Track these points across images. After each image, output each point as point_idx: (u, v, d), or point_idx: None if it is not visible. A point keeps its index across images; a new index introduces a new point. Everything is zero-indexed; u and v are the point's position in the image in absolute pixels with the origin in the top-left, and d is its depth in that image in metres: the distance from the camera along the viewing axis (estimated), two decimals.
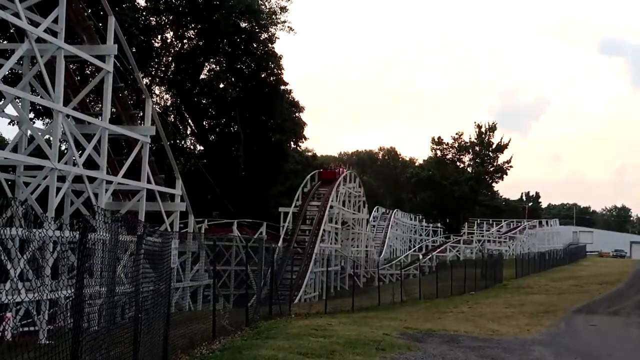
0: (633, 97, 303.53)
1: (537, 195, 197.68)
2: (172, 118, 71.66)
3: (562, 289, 46.28)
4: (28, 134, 30.26)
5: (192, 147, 78.55)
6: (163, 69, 69.35)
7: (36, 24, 27.16)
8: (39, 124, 49.73)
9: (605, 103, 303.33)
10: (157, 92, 70.92)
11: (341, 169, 71.37)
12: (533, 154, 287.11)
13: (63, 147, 40.51)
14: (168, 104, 72.92)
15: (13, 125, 40.56)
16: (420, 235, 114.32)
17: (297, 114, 79.10)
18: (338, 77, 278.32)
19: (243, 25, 68.93)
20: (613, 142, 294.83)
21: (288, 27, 73.19)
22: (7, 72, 30.07)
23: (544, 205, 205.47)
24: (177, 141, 70.59)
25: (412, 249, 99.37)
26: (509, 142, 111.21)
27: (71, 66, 34.03)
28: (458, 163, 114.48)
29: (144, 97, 36.71)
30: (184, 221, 40.72)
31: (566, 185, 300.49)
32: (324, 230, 55.55)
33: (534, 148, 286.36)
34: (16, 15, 25.17)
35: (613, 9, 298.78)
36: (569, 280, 54.34)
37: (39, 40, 25.71)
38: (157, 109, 62.36)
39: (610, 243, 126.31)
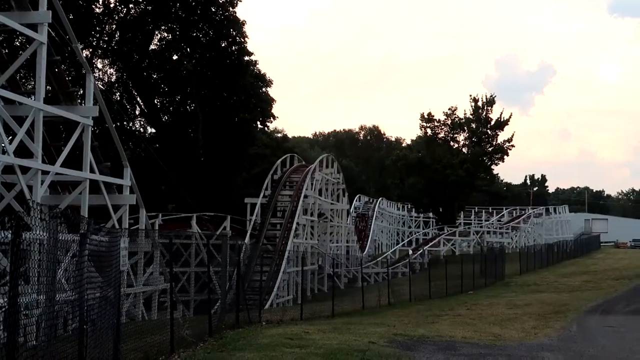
0: None
1: (543, 179, 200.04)
2: (117, 96, 71.24)
3: (574, 286, 46.68)
4: None
5: (142, 129, 78.20)
6: (106, 38, 68.86)
7: None
8: None
9: (620, 71, 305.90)
10: (99, 66, 70.50)
11: None
12: (537, 131, 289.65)
13: None
14: (113, 79, 72.54)
15: None
16: (410, 227, 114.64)
17: (264, 89, 78.88)
18: (311, 46, 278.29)
19: None
20: (629, 116, 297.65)
21: None
22: None
23: (551, 189, 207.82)
24: (125, 123, 70.20)
25: (401, 244, 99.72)
26: (510, 117, 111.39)
27: None
28: (452, 143, 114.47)
29: (84, 72, 36.42)
30: (134, 216, 40.55)
31: (576, 166, 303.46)
32: (297, 223, 55.55)
33: (538, 124, 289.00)
34: None
35: None
36: (581, 276, 54.82)
37: None
38: (100, 86, 61.94)
39: (628, 232, 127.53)
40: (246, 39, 73.49)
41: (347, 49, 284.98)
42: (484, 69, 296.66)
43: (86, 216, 28.15)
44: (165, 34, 72.18)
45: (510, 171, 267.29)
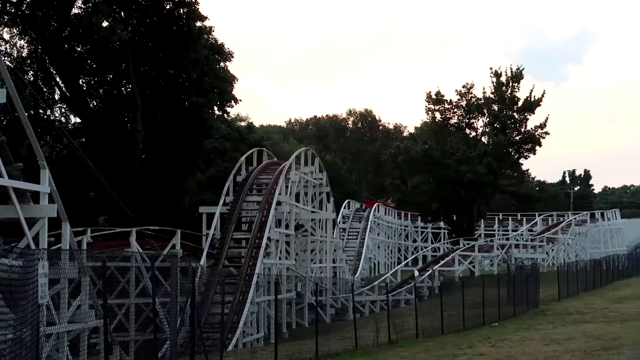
0: None
1: (587, 175, 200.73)
2: (30, 76, 70.93)
3: (629, 314, 46.81)
4: None
5: (63, 119, 77.87)
6: (14, 0, 68.56)
7: None
8: None
9: None
10: (5, 36, 70.16)
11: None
12: (576, 113, 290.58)
13: None
14: (24, 54, 72.16)
15: None
16: (415, 241, 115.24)
17: (222, 64, 78.76)
18: (282, 6, 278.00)
19: None
20: None
21: None
22: None
23: (597, 189, 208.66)
24: (41, 111, 69.92)
25: (403, 263, 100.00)
26: (543, 96, 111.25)
27: None
28: (467, 130, 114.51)
29: None
30: (55, 233, 40.41)
31: (628, 158, 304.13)
32: (268, 238, 55.49)
33: (577, 104, 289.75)
34: None
35: None
36: (638, 301, 55.02)
37: None
38: (8, 63, 61.66)
39: None
40: None
41: (328, 9, 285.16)
42: (506, 34, 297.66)
43: None
44: None
45: (544, 166, 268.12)
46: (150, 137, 70.67)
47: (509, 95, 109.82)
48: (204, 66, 74.15)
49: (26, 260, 14.99)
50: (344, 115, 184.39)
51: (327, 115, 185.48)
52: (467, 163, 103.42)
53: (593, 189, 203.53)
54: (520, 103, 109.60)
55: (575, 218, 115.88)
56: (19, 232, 34.35)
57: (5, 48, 68.29)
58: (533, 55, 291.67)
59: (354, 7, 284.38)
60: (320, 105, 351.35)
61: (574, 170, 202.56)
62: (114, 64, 71.92)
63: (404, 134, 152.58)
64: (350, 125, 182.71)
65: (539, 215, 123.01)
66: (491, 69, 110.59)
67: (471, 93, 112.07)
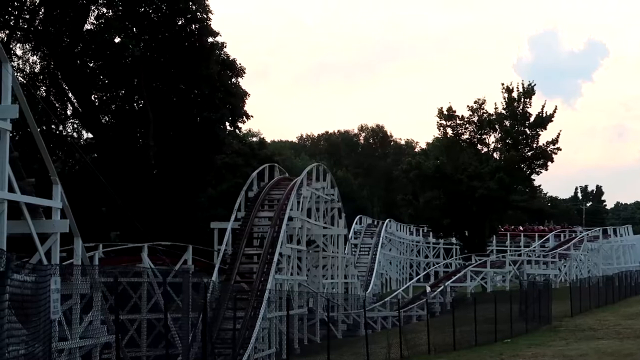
0: None
1: (599, 191, 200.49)
2: (43, 92, 71.03)
3: None
4: None
5: (75, 134, 77.85)
6: (27, 17, 68.73)
7: None
8: None
9: None
10: (19, 52, 70.24)
11: None
12: (587, 129, 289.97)
13: None
14: (36, 70, 72.28)
15: None
16: (426, 256, 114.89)
17: (233, 80, 78.74)
18: (294, 21, 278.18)
19: None
20: None
21: None
22: None
23: (609, 205, 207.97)
24: (53, 127, 70.00)
25: (415, 279, 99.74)
26: (555, 111, 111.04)
27: None
28: (479, 146, 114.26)
29: None
30: (67, 248, 40.39)
31: None
32: (280, 254, 55.34)
33: (588, 120, 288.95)
34: None
35: None
36: None
37: None
38: (21, 79, 61.73)
39: None
40: (210, 14, 73.31)
41: (340, 24, 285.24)
42: (516, 49, 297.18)
43: (5, 249, 28.04)
44: (105, 10, 71.97)
45: (556, 182, 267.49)
46: (162, 153, 70.61)
47: (520, 110, 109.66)
48: (215, 82, 74.07)
49: (38, 276, 14.97)
50: (356, 131, 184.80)
51: (338, 131, 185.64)
52: (479, 179, 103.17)
53: (605, 205, 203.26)
54: (532, 119, 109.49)
55: (587, 234, 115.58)
56: (31, 247, 34.31)
57: (18, 64, 68.37)
58: (541, 70, 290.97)
59: (365, 23, 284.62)
60: (331, 120, 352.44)
61: (586, 186, 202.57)
62: (126, 80, 71.96)
63: (416, 150, 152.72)
64: (362, 141, 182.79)
65: (552, 231, 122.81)
66: (502, 84, 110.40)
67: (483, 109, 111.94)
